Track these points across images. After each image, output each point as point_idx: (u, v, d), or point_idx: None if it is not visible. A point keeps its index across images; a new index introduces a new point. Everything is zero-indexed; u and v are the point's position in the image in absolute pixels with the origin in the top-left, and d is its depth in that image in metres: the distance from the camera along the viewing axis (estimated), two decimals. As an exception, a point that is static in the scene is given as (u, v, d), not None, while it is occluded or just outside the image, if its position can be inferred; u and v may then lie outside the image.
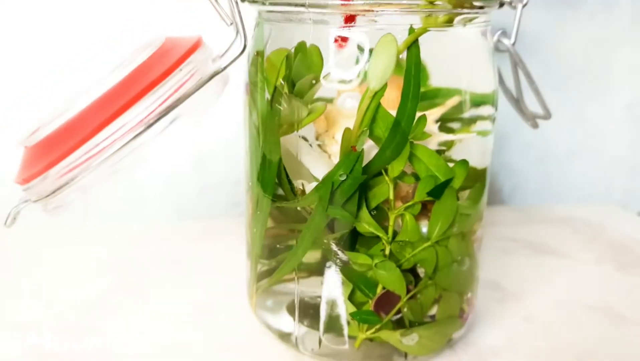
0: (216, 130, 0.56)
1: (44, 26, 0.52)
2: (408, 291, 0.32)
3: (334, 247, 0.32)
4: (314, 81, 0.31)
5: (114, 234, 0.53)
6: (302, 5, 0.30)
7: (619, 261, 0.49)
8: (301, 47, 0.31)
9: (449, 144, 0.33)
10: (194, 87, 0.27)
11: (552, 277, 0.46)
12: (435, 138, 0.32)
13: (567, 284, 0.45)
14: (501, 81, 0.37)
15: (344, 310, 0.33)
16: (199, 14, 0.53)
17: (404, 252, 0.31)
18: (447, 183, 0.30)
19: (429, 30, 0.29)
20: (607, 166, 0.65)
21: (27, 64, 0.53)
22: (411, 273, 0.32)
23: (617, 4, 0.59)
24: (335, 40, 0.30)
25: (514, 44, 0.34)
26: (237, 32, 0.29)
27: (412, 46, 0.29)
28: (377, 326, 0.33)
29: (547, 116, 0.38)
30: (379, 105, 0.29)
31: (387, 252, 0.31)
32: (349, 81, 0.30)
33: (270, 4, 0.31)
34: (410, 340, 0.33)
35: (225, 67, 0.29)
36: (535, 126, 0.39)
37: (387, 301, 0.32)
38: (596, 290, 0.44)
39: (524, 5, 0.33)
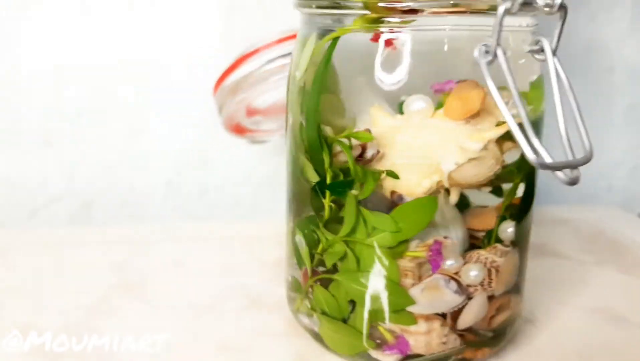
0: (218, 131, 0.56)
1: (45, 28, 0.52)
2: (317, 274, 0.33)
3: None
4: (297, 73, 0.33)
5: (116, 235, 0.53)
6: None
7: (620, 263, 0.49)
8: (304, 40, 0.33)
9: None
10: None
11: (553, 278, 0.46)
12: (466, 154, 0.30)
13: (568, 286, 0.45)
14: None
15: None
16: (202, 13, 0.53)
17: (324, 236, 0.33)
18: (342, 184, 0.31)
19: (351, 31, 0.30)
20: (608, 168, 0.65)
21: (27, 66, 0.53)
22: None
23: (618, 5, 0.59)
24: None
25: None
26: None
27: (330, 46, 0.31)
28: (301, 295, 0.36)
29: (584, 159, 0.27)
30: (304, 93, 0.32)
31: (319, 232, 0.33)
32: (395, 82, 0.30)
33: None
34: (313, 322, 0.34)
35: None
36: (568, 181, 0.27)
37: (304, 274, 0.35)
38: (597, 291, 0.44)
39: (508, 13, 0.26)
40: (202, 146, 0.57)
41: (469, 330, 0.33)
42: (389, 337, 0.33)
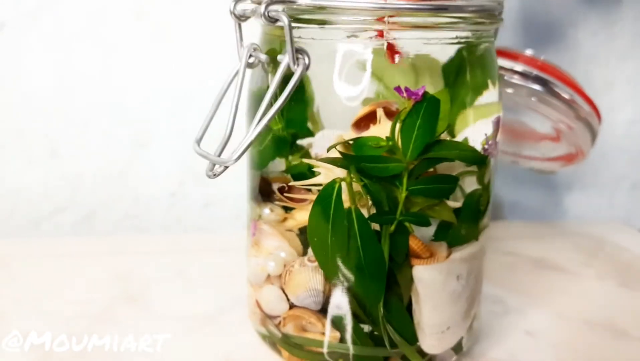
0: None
1: (51, 39, 0.53)
2: None
3: None
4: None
5: (119, 246, 0.53)
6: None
7: (621, 277, 0.49)
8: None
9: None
10: None
11: (554, 292, 0.46)
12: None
13: (569, 299, 0.45)
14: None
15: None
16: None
17: None
18: None
19: None
20: (609, 182, 0.65)
21: (33, 77, 0.54)
22: None
23: (618, 21, 0.59)
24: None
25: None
26: None
27: None
28: None
29: None
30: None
31: None
32: (354, 97, 0.31)
33: None
34: None
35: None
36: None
37: None
38: (598, 305, 0.44)
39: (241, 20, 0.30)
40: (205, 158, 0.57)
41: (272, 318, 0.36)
42: None
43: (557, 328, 0.41)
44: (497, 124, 0.33)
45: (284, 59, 0.28)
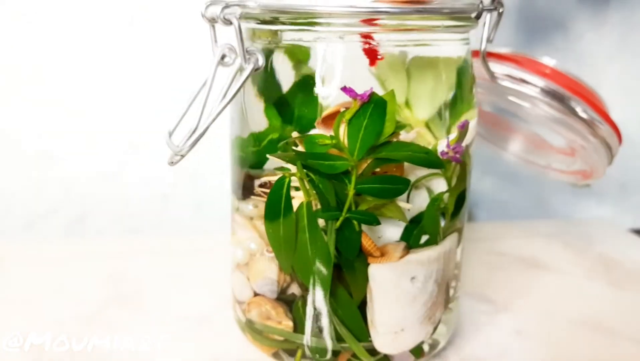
0: (214, 144, 0.57)
1: (45, 42, 0.53)
2: None
3: None
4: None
5: (111, 247, 0.53)
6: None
7: (609, 276, 0.50)
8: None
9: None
10: None
11: (543, 291, 0.47)
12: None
13: (558, 298, 0.46)
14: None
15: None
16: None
17: None
18: None
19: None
20: (598, 182, 0.65)
21: (26, 79, 0.54)
22: None
23: (606, 23, 0.60)
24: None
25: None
26: None
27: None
28: None
29: None
30: None
31: None
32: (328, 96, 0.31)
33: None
34: None
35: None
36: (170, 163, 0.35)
37: None
38: (586, 304, 0.45)
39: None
40: (197, 161, 0.57)
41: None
42: None
43: (546, 327, 0.41)
44: (462, 128, 0.32)
45: (237, 59, 0.30)
